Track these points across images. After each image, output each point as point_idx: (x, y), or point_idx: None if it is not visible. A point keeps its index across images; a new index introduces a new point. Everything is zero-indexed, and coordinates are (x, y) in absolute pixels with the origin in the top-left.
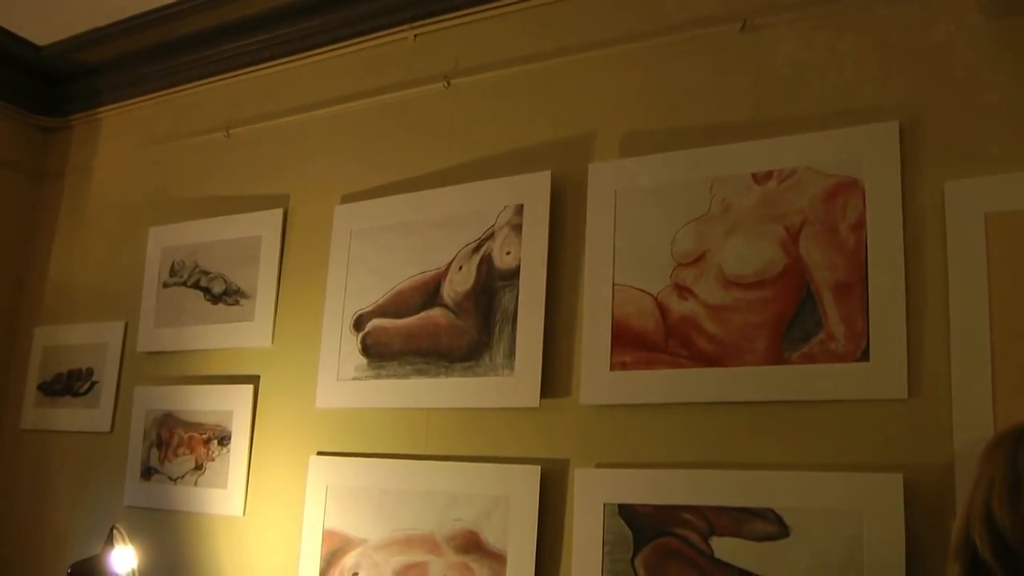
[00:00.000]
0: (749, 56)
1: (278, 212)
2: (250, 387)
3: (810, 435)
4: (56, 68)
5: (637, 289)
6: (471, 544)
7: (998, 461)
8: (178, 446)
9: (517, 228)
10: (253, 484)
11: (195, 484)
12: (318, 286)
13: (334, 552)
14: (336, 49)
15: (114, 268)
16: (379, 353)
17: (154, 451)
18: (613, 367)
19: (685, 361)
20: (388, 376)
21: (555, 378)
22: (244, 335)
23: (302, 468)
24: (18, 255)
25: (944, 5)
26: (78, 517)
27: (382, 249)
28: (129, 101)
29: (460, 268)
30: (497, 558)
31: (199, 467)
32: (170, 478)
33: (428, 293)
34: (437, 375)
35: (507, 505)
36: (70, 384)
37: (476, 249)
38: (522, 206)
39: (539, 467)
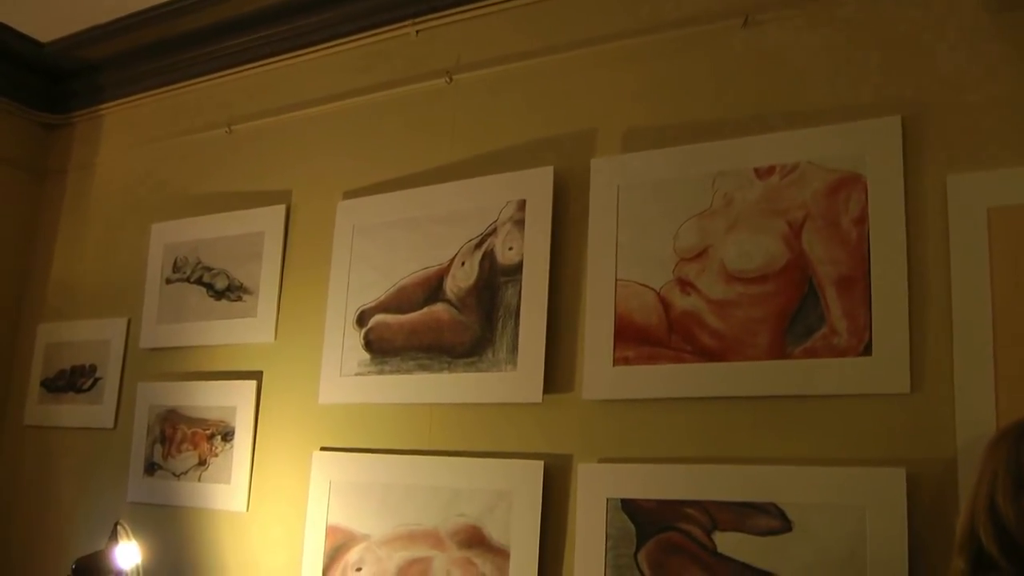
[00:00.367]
0: (751, 51)
1: (280, 208)
2: (253, 383)
3: (813, 430)
4: (58, 65)
5: (640, 284)
6: (474, 539)
7: (1002, 456)
8: (181, 442)
9: (519, 223)
10: (256, 480)
11: (198, 480)
12: (321, 282)
13: (337, 548)
14: (338, 45)
15: (116, 264)
16: (382, 349)
17: (157, 447)
18: (616, 362)
19: (688, 356)
20: (391, 372)
21: (558, 373)
22: (247, 331)
23: (305, 464)
24: (21, 252)
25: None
26: (82, 513)
27: (384, 245)
28: (131, 98)
29: (463, 264)
30: (500, 553)
31: (202, 463)
32: (173, 474)
33: (431, 289)
34: (440, 371)
35: (510, 500)
36: (73, 380)
37: (478, 245)
38: (524, 201)
39: (542, 462)
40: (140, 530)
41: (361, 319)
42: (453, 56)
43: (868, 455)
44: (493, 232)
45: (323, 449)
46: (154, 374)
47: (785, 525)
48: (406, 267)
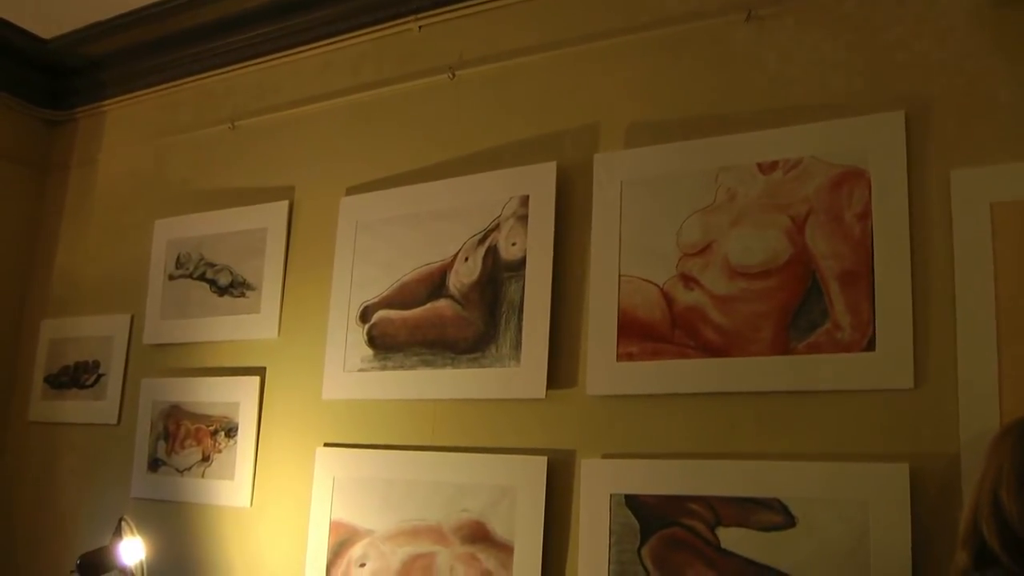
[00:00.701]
0: (754, 46)
1: (283, 204)
2: (256, 379)
3: (816, 425)
4: (61, 61)
5: (643, 280)
6: (478, 535)
7: (1006, 451)
8: (185, 438)
9: (523, 219)
10: (260, 476)
11: (202, 476)
12: (324, 278)
13: (341, 543)
14: (341, 41)
15: (120, 261)
16: (385, 344)
17: (161, 443)
18: (619, 358)
19: (691, 351)
20: (394, 367)
21: (561, 369)
22: (250, 327)
23: (309, 459)
24: (24, 248)
25: None
26: (86, 509)
27: (387, 241)
28: (134, 94)
29: (466, 259)
30: (504, 549)
31: (206, 459)
32: (177, 470)
33: (434, 284)
34: (443, 366)
35: (514, 496)
36: (77, 377)
37: (482, 240)
38: (528, 197)
39: (546, 458)
40: (144, 526)
41: (364, 315)
42: (456, 52)
43: (871, 450)
44: (496, 228)
45: (327, 445)
46: (158, 370)
47: (788, 520)
48: (409, 263)
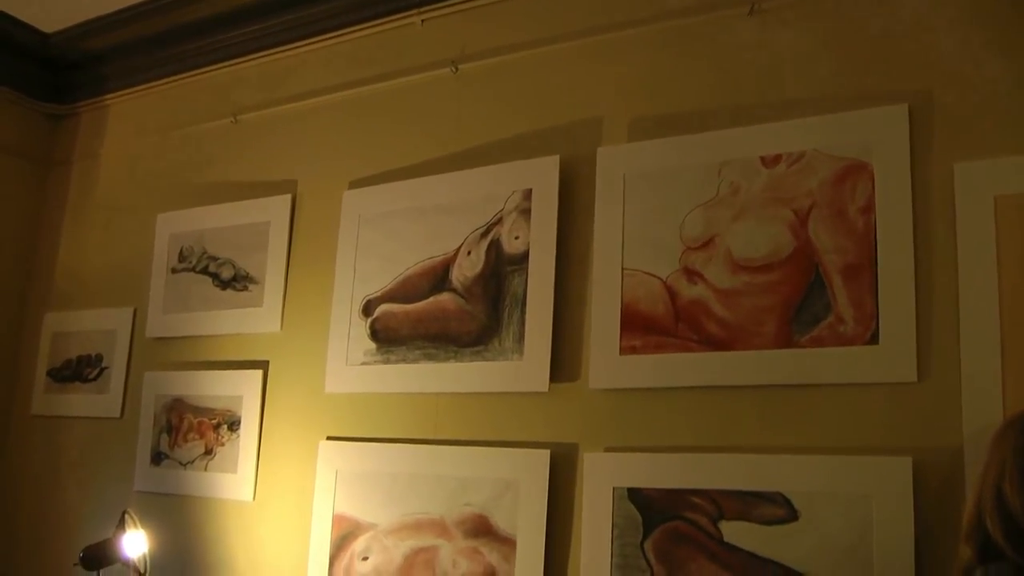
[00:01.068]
0: (757, 39)
1: (286, 198)
2: (259, 372)
3: (819, 419)
4: (63, 55)
5: (646, 273)
6: (481, 528)
7: (1009, 445)
8: (188, 431)
9: (526, 213)
10: (263, 469)
11: (205, 469)
12: (327, 271)
13: (344, 537)
14: (343, 34)
15: (122, 254)
16: (388, 338)
17: (164, 436)
18: (622, 351)
19: (694, 345)
20: (397, 361)
21: (564, 362)
22: (253, 321)
23: (312, 453)
24: (26, 242)
25: None
26: (89, 502)
27: (390, 234)
28: (136, 88)
29: (469, 253)
30: (507, 542)
31: (209, 452)
32: (180, 463)
33: (437, 278)
34: (446, 360)
35: (517, 489)
36: (79, 370)
37: (485, 234)
38: (531, 191)
39: (548, 451)
40: (147, 519)
41: (367, 308)
42: (459, 45)
43: (874, 444)
44: (499, 221)
45: (329, 438)
46: (160, 363)
47: (791, 514)
48: (412, 256)
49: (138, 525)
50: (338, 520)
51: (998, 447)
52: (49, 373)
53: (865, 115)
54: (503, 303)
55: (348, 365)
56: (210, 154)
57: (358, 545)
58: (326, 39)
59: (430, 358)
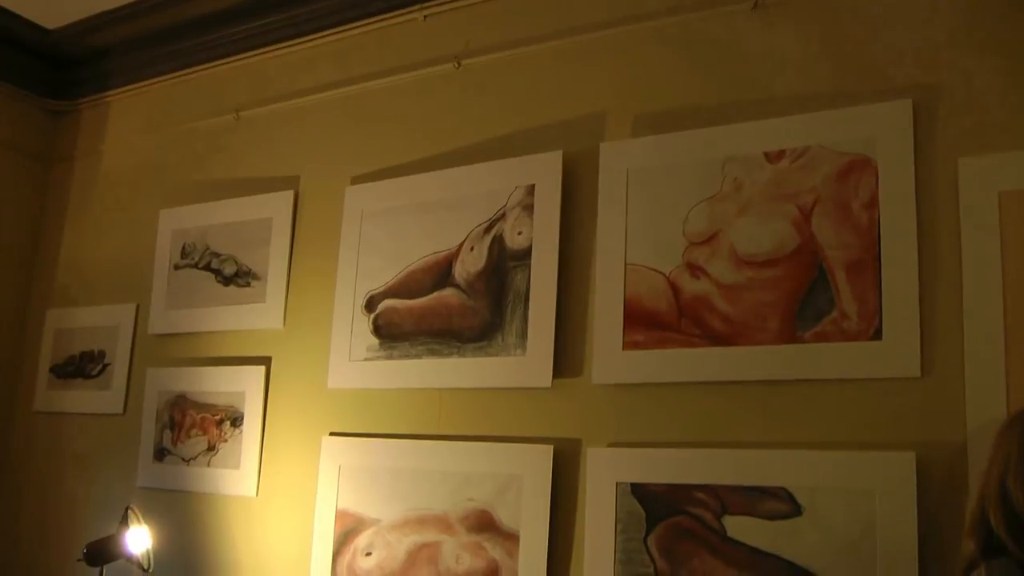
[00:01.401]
0: (760, 35)
1: (289, 194)
2: (262, 368)
3: (822, 414)
4: (65, 51)
5: (649, 268)
6: (484, 523)
7: (1013, 440)
8: (191, 427)
9: (529, 208)
10: (266, 465)
11: (208, 465)
12: (329, 267)
13: (347, 532)
14: (346, 30)
15: (125, 250)
16: (391, 334)
17: (167, 432)
18: (625, 346)
19: (698, 340)
20: (400, 357)
21: (567, 358)
22: (256, 316)
23: (314, 449)
24: (29, 238)
25: None
26: (92, 498)
27: (393, 230)
28: (138, 84)
29: (472, 249)
30: (510, 537)
31: (212, 448)
32: (183, 459)
33: (440, 274)
34: (449, 355)
35: (520, 485)
36: (82, 366)
37: (488, 229)
38: (533, 186)
39: (551, 447)
40: (150, 515)
41: (370, 304)
42: (461, 41)
43: (878, 439)
44: (502, 217)
45: (332, 434)
46: (163, 360)
47: (795, 509)
48: (415, 252)
49: (141, 521)
50: (341, 516)
51: (1002, 442)
52: (52, 369)
53: (869, 110)
54: (506, 299)
55: (351, 361)
56: (212, 150)
57: (361, 541)
58: (328, 35)
59: (433, 354)
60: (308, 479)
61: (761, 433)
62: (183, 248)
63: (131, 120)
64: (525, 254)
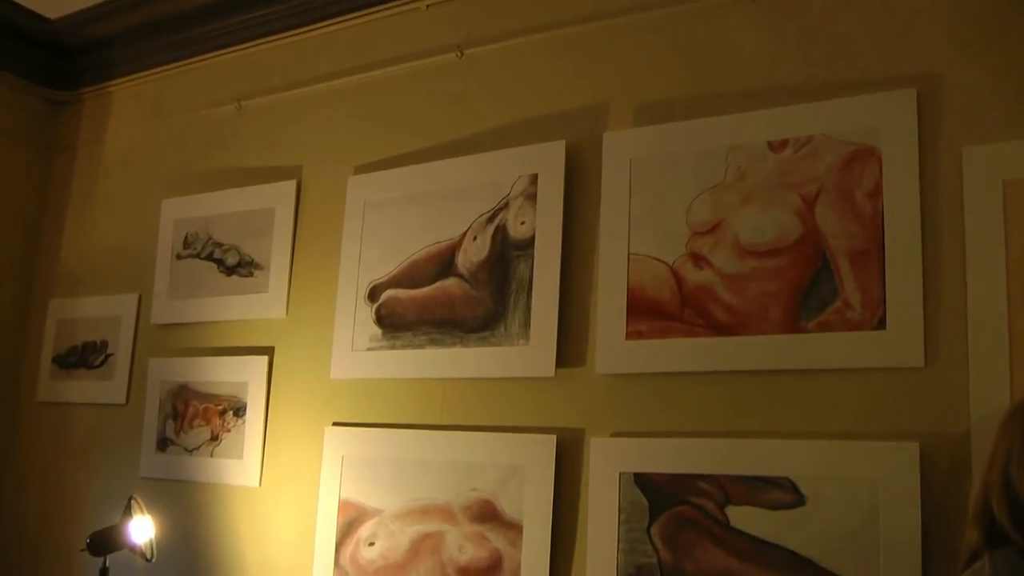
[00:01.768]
0: (764, 24)
1: (291, 184)
2: (265, 358)
3: (826, 404)
4: (66, 41)
5: (653, 258)
6: (487, 513)
7: (1016, 430)
8: (193, 417)
9: (532, 198)
10: (269, 455)
11: (211, 455)
12: (332, 257)
13: (350, 522)
14: (348, 19)
15: (127, 240)
16: (393, 324)
17: (170, 423)
18: (628, 336)
19: (701, 330)
20: (403, 346)
21: (570, 347)
22: (258, 306)
23: (318, 439)
24: (31, 229)
25: None
26: (95, 488)
27: (396, 220)
28: (140, 74)
29: (475, 238)
30: (513, 527)
31: (215, 438)
32: (186, 449)
33: (442, 263)
34: (452, 345)
35: (523, 475)
36: (85, 357)
37: (491, 219)
38: (536, 175)
39: (555, 436)
40: (153, 505)
41: (372, 294)
42: (464, 30)
43: (881, 429)
44: (505, 206)
45: (335, 424)
46: (165, 350)
47: (798, 499)
48: (418, 242)
49: (144, 511)
50: (344, 506)
51: (1005, 432)
52: (55, 360)
53: (873, 100)
54: (509, 288)
55: (354, 351)
56: (214, 140)
57: (364, 531)
58: (331, 24)
59: (436, 344)
60: (311, 469)
61: (764, 423)
62: (185, 238)
63: (133, 110)
64: (528, 244)
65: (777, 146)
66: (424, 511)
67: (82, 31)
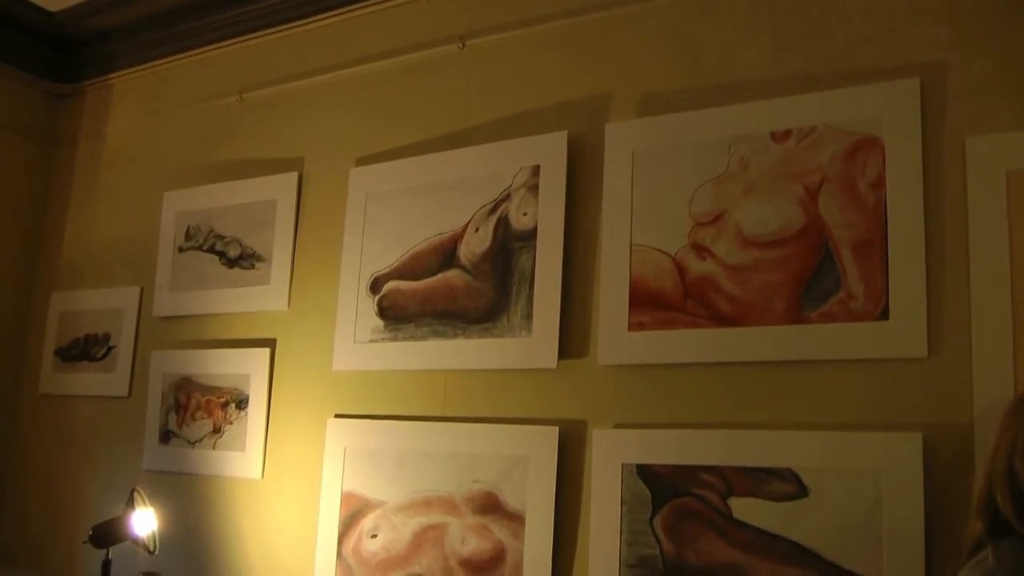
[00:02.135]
0: (767, 14)
1: (293, 175)
2: (267, 350)
3: (829, 395)
4: (67, 34)
5: (655, 249)
6: (490, 505)
7: (1019, 420)
8: (196, 410)
9: (534, 189)
10: (271, 447)
11: (213, 447)
12: (334, 249)
13: (353, 514)
14: (350, 11)
15: (129, 233)
16: (395, 315)
17: (172, 415)
18: (631, 327)
19: (703, 321)
20: (405, 338)
21: (573, 339)
22: (260, 299)
23: (320, 431)
24: (33, 221)
25: None
26: (98, 480)
27: (398, 211)
28: (141, 66)
29: (477, 229)
30: (516, 519)
31: (217, 430)
32: (188, 442)
33: (445, 255)
34: (454, 337)
35: (525, 466)
36: (87, 349)
37: (493, 210)
38: (539, 167)
39: (557, 428)
40: (156, 497)
41: (375, 286)
42: (466, 21)
43: (885, 420)
44: (507, 198)
45: (337, 416)
46: (168, 342)
47: (801, 490)
48: (420, 233)
49: (147, 503)
50: (347, 498)
51: (1009, 422)
52: (57, 352)
53: (876, 89)
54: (511, 280)
55: (356, 343)
56: (216, 132)
57: (367, 523)
58: (332, 15)
59: (438, 335)
60: (313, 461)
61: (767, 414)
62: (187, 230)
63: (134, 102)
64: (530, 235)
65: (780, 136)
66: (427, 503)
67: (83, 24)
